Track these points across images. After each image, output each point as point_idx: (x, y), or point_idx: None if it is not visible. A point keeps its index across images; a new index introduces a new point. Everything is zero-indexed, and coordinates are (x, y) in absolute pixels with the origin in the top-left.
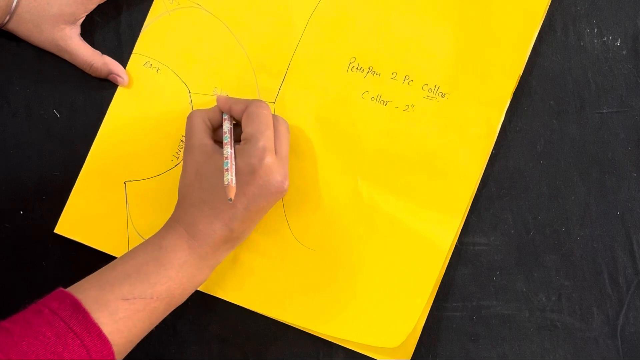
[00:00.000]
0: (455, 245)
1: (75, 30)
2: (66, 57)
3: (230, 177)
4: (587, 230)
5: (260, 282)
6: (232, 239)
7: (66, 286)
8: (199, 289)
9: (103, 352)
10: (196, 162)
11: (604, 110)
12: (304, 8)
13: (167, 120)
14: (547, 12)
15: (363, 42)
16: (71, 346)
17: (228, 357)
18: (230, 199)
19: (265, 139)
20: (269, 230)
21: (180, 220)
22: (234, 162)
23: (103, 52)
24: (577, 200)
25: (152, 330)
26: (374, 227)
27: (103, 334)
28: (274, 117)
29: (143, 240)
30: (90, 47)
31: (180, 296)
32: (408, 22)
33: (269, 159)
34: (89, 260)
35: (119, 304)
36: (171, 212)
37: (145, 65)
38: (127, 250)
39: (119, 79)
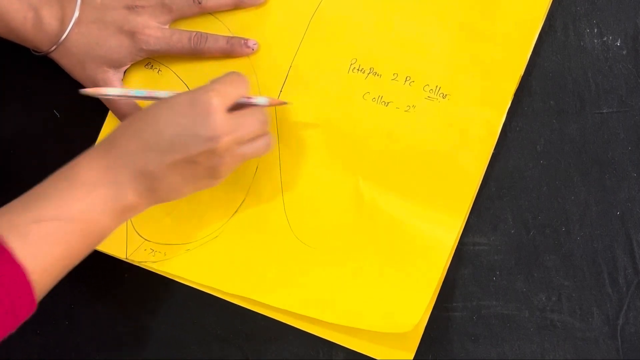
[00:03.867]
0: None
1: (118, 75)
2: (103, 100)
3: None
4: (587, 230)
5: (259, 278)
6: (152, 180)
7: (64, 290)
8: (199, 288)
9: (16, 276)
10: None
11: (604, 110)
12: (305, 9)
13: None
14: (547, 12)
15: (364, 44)
16: None
17: (228, 357)
18: None
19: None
20: (270, 232)
21: (109, 142)
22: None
23: None
24: (577, 200)
25: (152, 330)
26: (376, 228)
27: (13, 257)
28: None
29: (142, 240)
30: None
31: (96, 223)
32: (409, 23)
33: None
34: (88, 260)
35: (30, 227)
36: (170, 212)
37: (147, 66)
38: (125, 250)
39: None
